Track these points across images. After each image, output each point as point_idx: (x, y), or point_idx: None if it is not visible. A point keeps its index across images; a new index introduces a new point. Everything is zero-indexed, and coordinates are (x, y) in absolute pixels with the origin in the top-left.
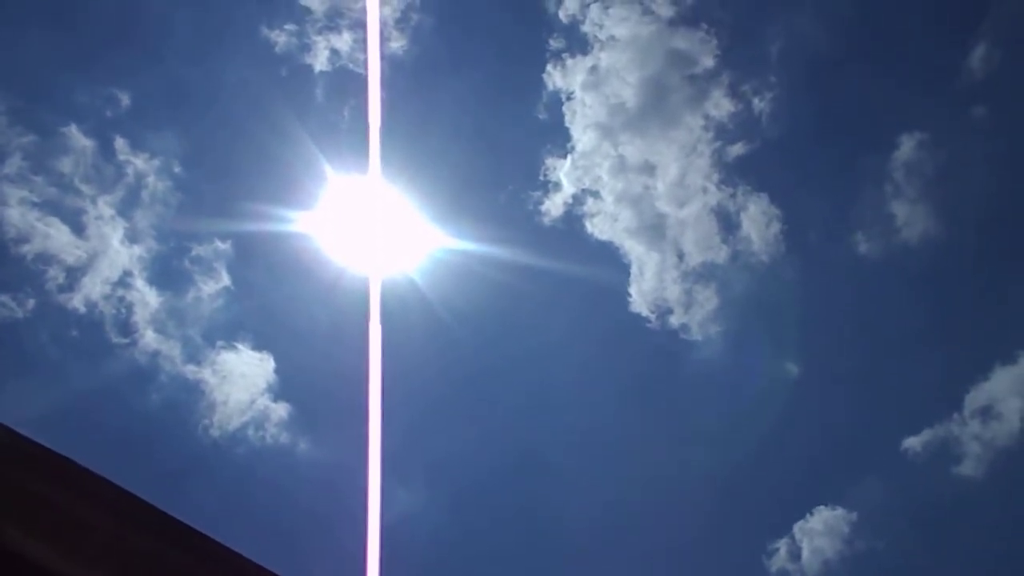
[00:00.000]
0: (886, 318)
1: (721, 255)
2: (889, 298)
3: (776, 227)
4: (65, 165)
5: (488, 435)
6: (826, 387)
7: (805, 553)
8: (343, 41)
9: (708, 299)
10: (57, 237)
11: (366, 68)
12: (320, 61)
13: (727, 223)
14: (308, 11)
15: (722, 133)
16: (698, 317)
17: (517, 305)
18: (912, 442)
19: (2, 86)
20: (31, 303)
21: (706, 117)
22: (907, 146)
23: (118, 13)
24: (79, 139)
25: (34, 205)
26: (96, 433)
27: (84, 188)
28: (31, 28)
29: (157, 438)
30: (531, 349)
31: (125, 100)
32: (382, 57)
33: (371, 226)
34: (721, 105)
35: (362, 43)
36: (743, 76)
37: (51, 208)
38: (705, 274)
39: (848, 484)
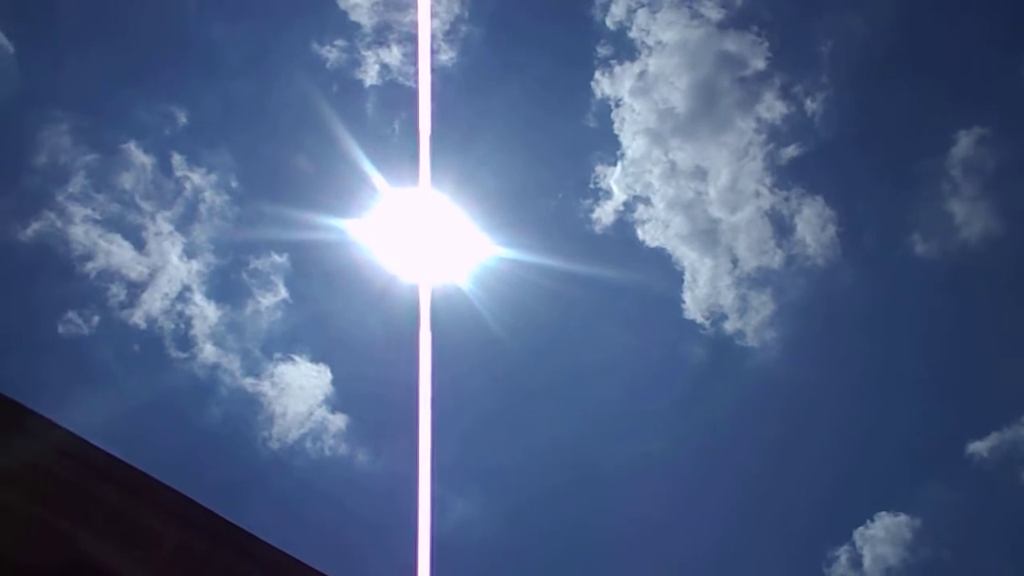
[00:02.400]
0: (948, 320)
1: (776, 260)
2: (950, 300)
3: (831, 230)
4: (126, 182)
5: (540, 444)
6: (887, 392)
7: (867, 560)
8: (392, 55)
9: (763, 304)
10: (119, 253)
11: (416, 79)
12: (370, 75)
13: (781, 227)
14: (358, 26)
15: (774, 136)
16: (753, 323)
17: (568, 313)
18: (978, 447)
19: (66, 105)
20: (95, 319)
21: (758, 120)
22: (965, 143)
23: (173, 32)
24: (138, 156)
25: (97, 222)
26: (157, 446)
27: (144, 204)
28: (91, 48)
29: (217, 451)
30: (583, 357)
31: (181, 117)
32: (432, 68)
33: (423, 236)
34: (773, 107)
35: (411, 56)
36: (795, 77)
37: (113, 225)
38: (760, 279)
39: (911, 490)
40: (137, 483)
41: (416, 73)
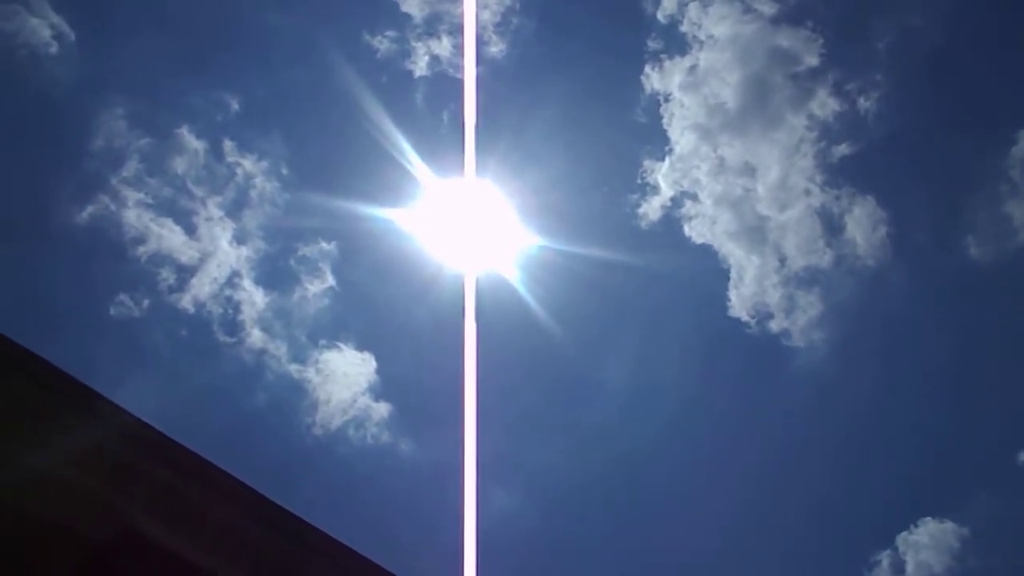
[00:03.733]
0: (1000, 325)
1: (825, 259)
2: (1004, 304)
3: (882, 230)
4: (178, 167)
5: (584, 436)
6: (936, 396)
7: (910, 566)
8: (442, 47)
9: (811, 304)
10: (170, 238)
11: (462, 70)
12: (420, 66)
13: (831, 226)
14: (409, 17)
15: (826, 133)
16: (800, 323)
17: (613, 306)
18: None
19: (122, 91)
20: (146, 302)
21: (810, 117)
22: None
23: (227, 20)
24: (191, 141)
25: (149, 206)
26: (204, 429)
27: (196, 190)
28: (146, 35)
29: (261, 436)
30: (627, 351)
31: (234, 103)
32: (481, 61)
33: (469, 226)
34: (826, 104)
35: (460, 48)
36: (849, 74)
37: (165, 209)
38: (808, 279)
39: (959, 497)
40: (188, 463)
41: (462, 64)
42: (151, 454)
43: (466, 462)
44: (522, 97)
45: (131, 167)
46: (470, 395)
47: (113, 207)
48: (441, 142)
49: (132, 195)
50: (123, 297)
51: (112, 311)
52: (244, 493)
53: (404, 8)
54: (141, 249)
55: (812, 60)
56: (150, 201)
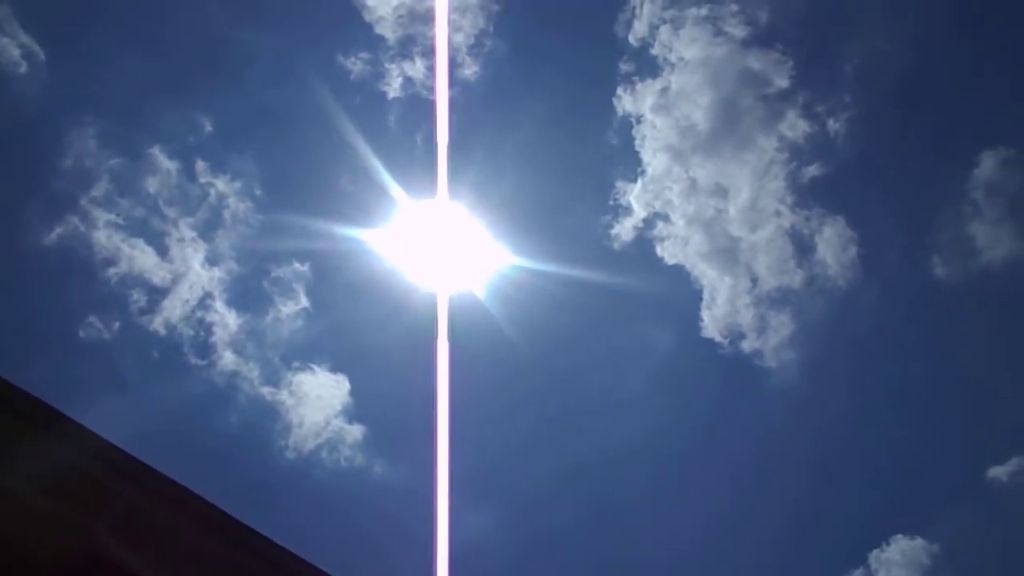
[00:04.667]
0: (967, 343)
1: (796, 279)
2: (971, 323)
3: (852, 251)
4: (150, 186)
5: (556, 457)
6: (906, 413)
7: None
8: (416, 68)
9: (782, 324)
10: (142, 259)
11: (435, 92)
12: (393, 87)
13: (802, 247)
14: (382, 39)
15: (796, 154)
16: (772, 343)
17: (587, 328)
18: (998, 471)
19: (93, 110)
20: (116, 324)
21: (780, 138)
22: (988, 164)
23: (200, 41)
24: (163, 161)
25: (120, 227)
26: (174, 453)
27: (168, 210)
28: (118, 55)
29: (233, 459)
30: (600, 373)
31: (207, 124)
32: (454, 83)
33: (442, 247)
34: (796, 126)
35: (432, 70)
36: (818, 96)
37: (136, 230)
38: (779, 299)
39: (930, 513)
40: (157, 485)
41: (435, 85)
42: (119, 476)
43: (439, 483)
44: (495, 118)
45: (102, 187)
46: (443, 416)
47: (83, 228)
48: (414, 163)
49: (102, 215)
50: (93, 319)
51: (81, 333)
52: (215, 516)
53: (378, 30)
54: (112, 270)
55: (782, 82)
56: (121, 222)
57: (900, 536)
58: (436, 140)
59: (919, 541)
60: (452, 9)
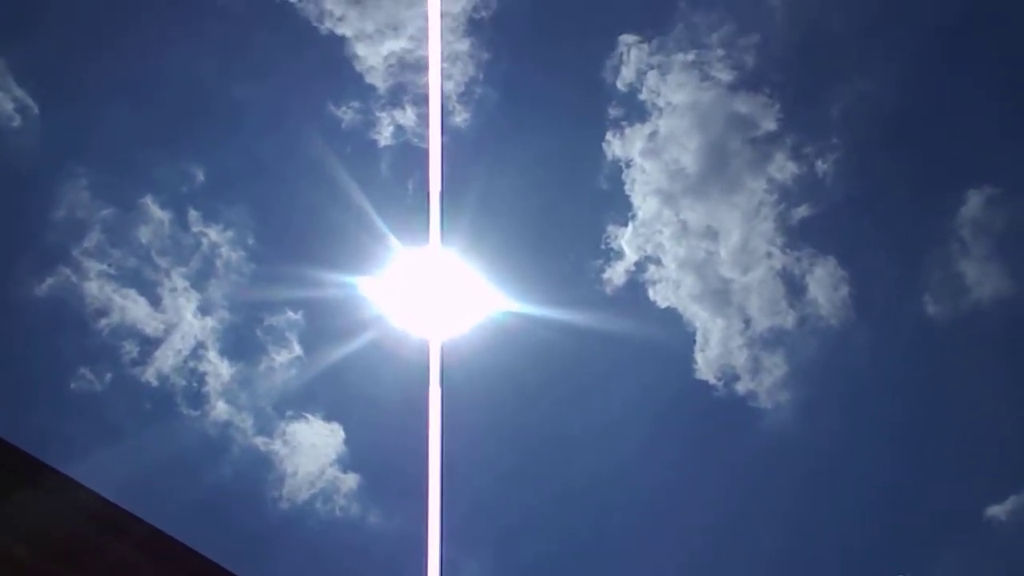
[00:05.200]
0: (962, 382)
1: (788, 320)
2: (964, 361)
3: (844, 290)
4: (143, 236)
5: (551, 504)
6: (902, 455)
7: None
8: (407, 117)
9: (776, 365)
10: (133, 309)
11: (427, 140)
12: (385, 136)
13: (793, 287)
14: (373, 88)
15: (786, 196)
16: (766, 384)
17: (580, 373)
18: (996, 511)
19: (85, 162)
20: (108, 376)
21: (769, 180)
22: (974, 203)
23: (191, 91)
24: (156, 211)
25: (112, 277)
26: (166, 505)
27: (160, 260)
28: (111, 107)
29: (227, 510)
30: (594, 417)
31: (199, 174)
32: (445, 130)
33: (435, 295)
34: (784, 168)
35: (425, 117)
36: (805, 138)
37: (128, 280)
38: (772, 340)
39: (929, 554)
40: (149, 539)
41: (427, 134)
42: (109, 530)
43: (431, 532)
44: (485, 166)
45: (94, 238)
46: (435, 463)
47: (75, 279)
48: (407, 211)
49: (95, 266)
50: (84, 371)
51: (73, 385)
52: (209, 569)
53: (368, 80)
54: (104, 321)
55: (770, 125)
56: (113, 272)
57: None
58: (429, 188)
59: None
60: (443, 58)
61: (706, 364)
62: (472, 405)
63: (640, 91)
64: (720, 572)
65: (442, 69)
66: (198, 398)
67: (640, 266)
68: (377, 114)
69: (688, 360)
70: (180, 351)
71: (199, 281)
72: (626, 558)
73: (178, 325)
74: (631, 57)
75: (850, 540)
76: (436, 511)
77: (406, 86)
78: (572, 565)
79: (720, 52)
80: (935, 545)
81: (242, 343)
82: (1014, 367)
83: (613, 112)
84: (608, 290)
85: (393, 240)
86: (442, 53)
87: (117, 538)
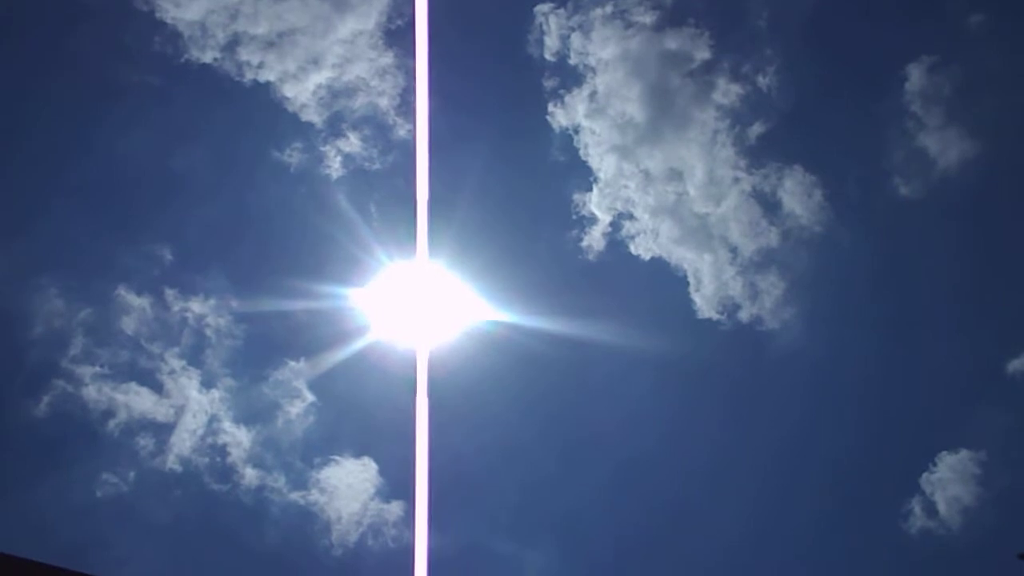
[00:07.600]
0: (956, 249)
1: (772, 238)
2: (949, 229)
3: (817, 194)
4: (127, 327)
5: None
6: (914, 335)
7: (941, 506)
8: (351, 144)
9: (773, 285)
10: (138, 402)
11: (414, 153)
12: (334, 167)
13: (768, 205)
14: (311, 125)
15: (737, 119)
16: (768, 305)
17: (587, 330)
18: (1017, 364)
19: (48, 271)
20: (131, 474)
21: (717, 108)
22: (917, 75)
23: (134, 175)
24: (133, 299)
25: (107, 377)
26: None
27: (151, 346)
28: (60, 209)
29: (285, 573)
30: (609, 381)
31: (165, 252)
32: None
33: (427, 310)
34: (729, 91)
35: (369, 140)
36: (741, 57)
37: (125, 375)
38: (762, 261)
39: (964, 423)
40: None
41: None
42: None
43: (417, 544)
44: (435, 167)
45: (78, 343)
46: (422, 468)
47: (71, 388)
48: (380, 236)
49: (87, 370)
50: (106, 476)
51: (99, 494)
52: None
53: (304, 117)
54: (112, 422)
55: (703, 54)
56: (107, 371)
57: (945, 453)
58: (415, 199)
59: (964, 452)
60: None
61: (705, 302)
62: (471, 404)
63: (569, 56)
64: (765, 493)
65: (429, 82)
66: (225, 471)
67: (615, 225)
68: (321, 148)
69: (687, 303)
70: (195, 430)
71: (195, 356)
72: (661, 502)
73: (186, 405)
74: (551, 25)
75: (882, 432)
76: (423, 521)
77: (342, 114)
78: (574, 565)
79: None
80: (967, 412)
81: (254, 405)
82: (997, 222)
83: (548, 83)
84: (591, 257)
85: (378, 256)
86: (429, 65)
87: None
